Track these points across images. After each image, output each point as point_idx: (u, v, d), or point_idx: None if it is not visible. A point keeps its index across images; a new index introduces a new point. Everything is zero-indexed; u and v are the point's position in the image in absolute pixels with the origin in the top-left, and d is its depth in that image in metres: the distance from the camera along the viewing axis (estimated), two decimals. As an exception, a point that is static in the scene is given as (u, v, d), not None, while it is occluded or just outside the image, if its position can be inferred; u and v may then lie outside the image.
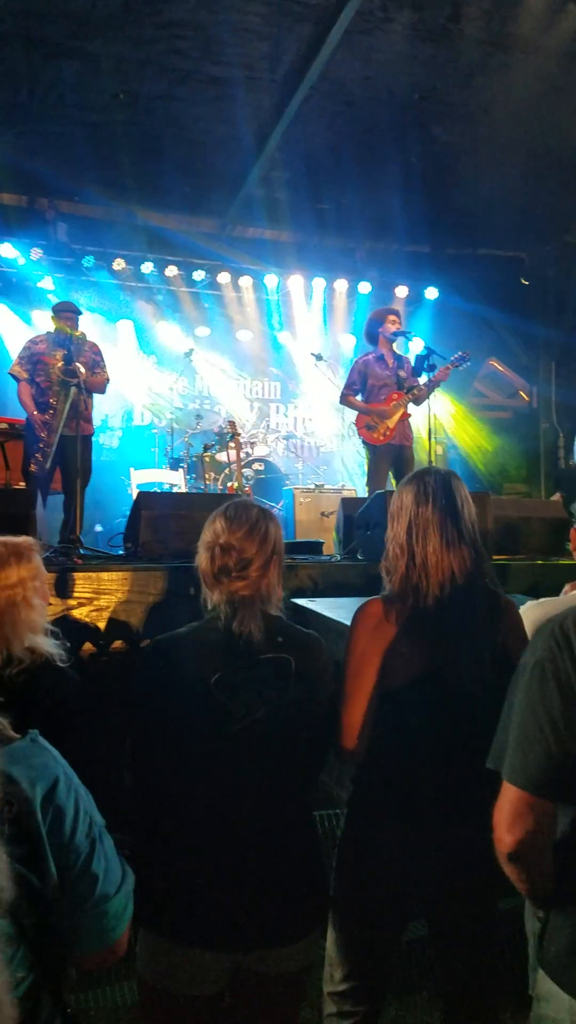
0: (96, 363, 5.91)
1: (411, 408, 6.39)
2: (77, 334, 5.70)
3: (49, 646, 2.07)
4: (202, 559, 1.99)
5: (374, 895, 2.03)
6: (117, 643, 3.82)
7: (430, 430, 6.05)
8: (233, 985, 1.84)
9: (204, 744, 1.84)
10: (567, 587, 2.58)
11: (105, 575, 3.76)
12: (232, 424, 7.43)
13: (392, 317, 6.38)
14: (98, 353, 5.98)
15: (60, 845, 1.29)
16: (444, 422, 10.88)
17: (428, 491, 2.07)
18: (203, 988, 1.79)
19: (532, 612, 2.35)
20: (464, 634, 1.98)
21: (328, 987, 2.14)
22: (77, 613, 3.68)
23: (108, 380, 6.09)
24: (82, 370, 5.49)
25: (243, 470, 7.91)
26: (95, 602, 3.79)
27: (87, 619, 3.75)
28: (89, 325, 8.64)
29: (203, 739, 1.84)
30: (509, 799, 1.43)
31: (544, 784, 1.40)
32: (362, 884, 2.05)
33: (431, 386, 6.15)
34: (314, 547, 5.37)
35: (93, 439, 6.19)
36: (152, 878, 1.77)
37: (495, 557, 4.79)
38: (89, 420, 5.86)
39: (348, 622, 2.19)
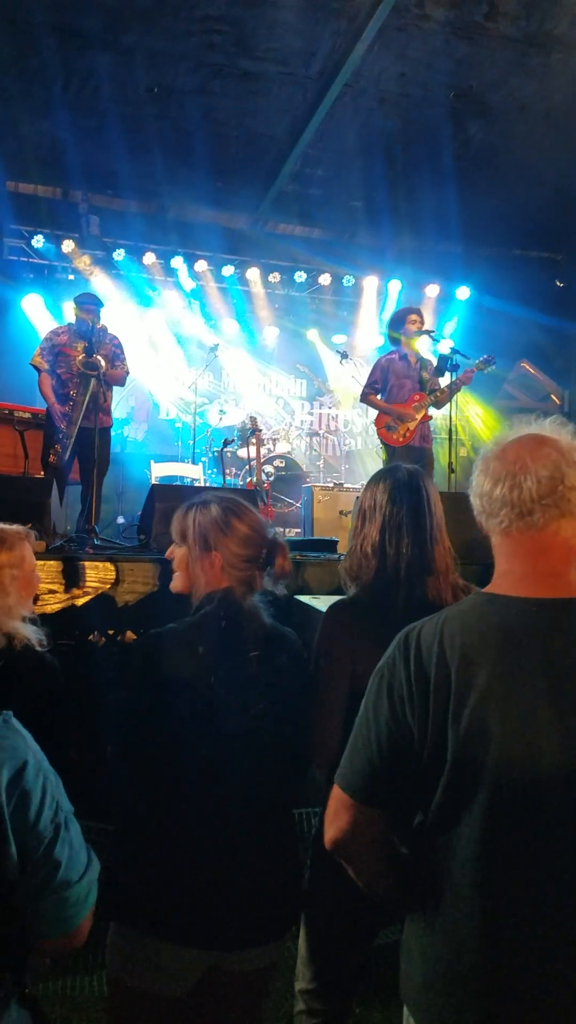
0: (116, 356, 5.94)
1: (433, 410, 6.33)
2: (99, 326, 5.73)
3: (27, 632, 2.08)
4: (238, 548, 1.94)
5: (348, 893, 2.00)
6: (128, 634, 3.84)
7: (450, 431, 5.98)
8: (201, 983, 1.82)
9: (201, 740, 1.83)
10: None
11: (112, 565, 3.79)
12: (254, 420, 7.42)
13: (413, 317, 6.32)
14: (119, 346, 6.01)
15: (24, 829, 1.29)
16: (472, 424, 10.78)
17: (402, 490, 2.03)
18: (175, 987, 1.77)
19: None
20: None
21: (299, 984, 2.12)
22: (82, 602, 3.71)
23: (128, 373, 6.12)
24: (102, 363, 5.52)
25: (264, 467, 7.91)
26: (102, 591, 3.81)
27: (93, 607, 3.77)
28: (115, 318, 8.71)
29: (200, 735, 1.83)
30: (333, 796, 1.45)
31: (361, 791, 1.40)
32: (336, 882, 2.02)
33: (453, 389, 6.09)
34: (328, 545, 5.34)
35: (116, 431, 6.24)
36: (133, 871, 1.76)
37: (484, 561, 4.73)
38: (108, 412, 5.89)
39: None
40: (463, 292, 10.63)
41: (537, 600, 1.34)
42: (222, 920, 1.78)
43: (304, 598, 3.36)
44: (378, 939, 2.18)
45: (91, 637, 3.77)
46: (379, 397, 6.34)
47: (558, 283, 10.97)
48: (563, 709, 1.27)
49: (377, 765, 1.39)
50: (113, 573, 3.84)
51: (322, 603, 3.27)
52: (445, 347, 6.34)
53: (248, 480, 7.84)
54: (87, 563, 3.87)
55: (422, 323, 6.32)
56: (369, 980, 2.61)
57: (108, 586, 3.83)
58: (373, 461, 9.70)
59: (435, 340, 6.47)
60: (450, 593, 2.01)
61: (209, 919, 1.77)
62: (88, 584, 3.81)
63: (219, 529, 1.96)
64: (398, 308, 6.92)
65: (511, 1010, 1.27)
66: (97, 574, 3.82)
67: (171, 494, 4.90)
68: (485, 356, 6.19)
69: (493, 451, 1.41)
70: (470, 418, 10.78)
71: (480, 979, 1.29)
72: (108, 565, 3.86)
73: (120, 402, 9.42)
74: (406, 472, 2.09)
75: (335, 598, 3.50)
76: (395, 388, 6.25)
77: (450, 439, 6.01)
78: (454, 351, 6.01)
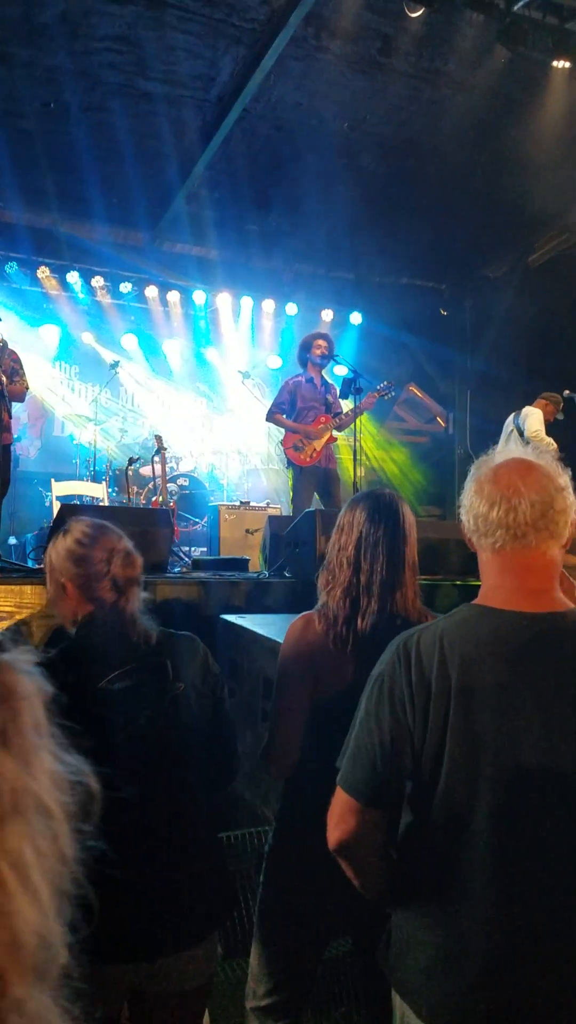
0: (15, 371, 5.78)
1: (336, 432, 6.49)
2: (-1, 342, 5.57)
3: None
4: (69, 568, 1.94)
5: (299, 910, 2.03)
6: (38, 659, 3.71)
7: (355, 452, 6.15)
8: (132, 1009, 1.80)
9: (93, 756, 1.81)
10: None
11: (28, 588, 3.67)
12: (158, 439, 7.37)
13: (319, 342, 6.50)
14: (17, 361, 5.85)
15: None
16: (365, 443, 11.07)
17: (381, 511, 2.11)
18: (98, 1010, 1.73)
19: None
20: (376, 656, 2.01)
21: (250, 1003, 2.12)
22: (-2, 627, 3.58)
23: (28, 388, 5.97)
24: (4, 379, 5.37)
25: (168, 485, 7.85)
26: (15, 616, 3.69)
27: (8, 633, 3.64)
28: (9, 333, 8.45)
29: (92, 751, 1.80)
30: (338, 800, 1.52)
31: (367, 794, 1.47)
32: (287, 899, 2.05)
33: (356, 412, 6.27)
34: (240, 564, 5.36)
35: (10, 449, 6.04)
36: None
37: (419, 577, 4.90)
38: (8, 429, 5.72)
39: (277, 638, 2.21)
40: (356, 318, 10.95)
41: (528, 614, 1.44)
42: (133, 931, 1.75)
43: (231, 617, 3.36)
44: (328, 951, 2.21)
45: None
46: (285, 417, 6.44)
47: (442, 311, 11.48)
48: (550, 714, 1.38)
49: (380, 768, 1.45)
50: (28, 597, 3.72)
51: (249, 622, 3.30)
52: (344, 371, 6.52)
53: (154, 499, 7.75)
54: (-1, 587, 3.73)
55: (327, 348, 6.48)
56: (320, 992, 2.63)
57: (22, 610, 3.71)
58: (276, 480, 9.80)
59: (337, 364, 6.64)
60: (415, 612, 2.09)
61: (121, 932, 1.74)
62: (1, 609, 3.68)
63: (61, 557, 1.97)
64: (304, 330, 7.07)
65: (517, 987, 1.36)
66: (11, 598, 3.69)
67: (80, 514, 4.79)
68: (386, 383, 6.42)
69: (485, 474, 1.50)
70: (366, 439, 11.07)
71: (487, 962, 1.37)
72: (22, 588, 3.74)
73: (13, 418, 9.13)
74: (386, 496, 2.18)
75: (261, 616, 3.53)
76: (302, 410, 6.38)
77: (354, 459, 6.17)
78: (357, 374, 6.19)
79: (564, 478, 1.49)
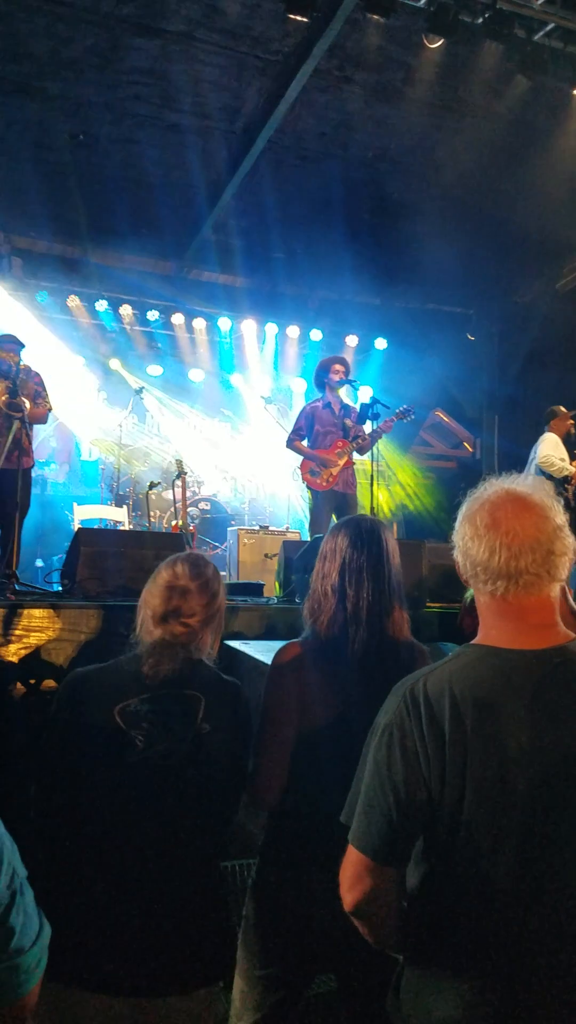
0: (39, 393, 5.86)
1: (356, 456, 6.48)
2: (22, 366, 5.65)
3: None
4: (154, 597, 2.00)
5: (282, 945, 1.98)
6: (47, 682, 3.73)
7: (372, 476, 6.12)
8: None
9: (103, 775, 1.82)
10: None
11: (37, 612, 3.69)
12: (179, 463, 7.42)
13: (337, 366, 6.50)
14: (40, 383, 5.94)
15: None
16: (389, 469, 11.04)
17: (364, 537, 2.08)
18: None
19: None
20: (381, 680, 1.97)
21: None
22: (6, 651, 3.59)
23: (51, 410, 6.05)
24: (27, 404, 5.44)
25: (189, 509, 7.89)
26: (25, 640, 3.71)
27: (16, 657, 3.66)
28: (38, 360, 8.60)
29: (103, 769, 1.82)
30: (351, 860, 1.44)
31: (384, 850, 1.41)
32: (270, 934, 2.00)
33: (375, 436, 6.26)
34: (254, 589, 5.35)
35: (37, 472, 6.13)
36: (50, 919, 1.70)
37: (429, 604, 4.83)
38: (29, 453, 5.79)
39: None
40: (381, 343, 10.97)
41: (534, 651, 1.41)
42: (139, 967, 1.74)
43: (233, 643, 3.34)
44: (313, 988, 2.15)
45: (16, 687, 3.65)
46: (304, 443, 6.45)
47: (469, 336, 11.45)
48: (571, 749, 1.34)
49: (396, 823, 1.39)
50: (36, 621, 3.74)
51: (252, 648, 3.27)
52: (365, 395, 6.51)
53: (173, 523, 7.80)
54: (8, 610, 3.76)
55: (346, 372, 6.49)
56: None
57: (31, 634, 3.73)
58: (297, 505, 9.80)
59: (355, 388, 6.65)
60: (404, 639, 2.06)
61: (126, 966, 1.73)
62: (11, 632, 3.70)
63: (154, 583, 2.03)
64: (324, 357, 7.09)
65: None
66: (20, 621, 3.71)
67: (96, 538, 4.83)
68: (404, 407, 6.40)
69: (481, 516, 1.45)
70: (390, 463, 11.05)
71: (515, 1012, 1.32)
72: (31, 612, 3.76)
73: (41, 443, 9.27)
74: (368, 521, 2.16)
75: (264, 643, 3.50)
76: (320, 435, 6.38)
77: (371, 484, 6.14)
78: (375, 400, 6.18)
79: (560, 515, 1.45)
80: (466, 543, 1.45)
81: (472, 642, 1.49)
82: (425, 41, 5.91)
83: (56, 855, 1.81)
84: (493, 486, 1.50)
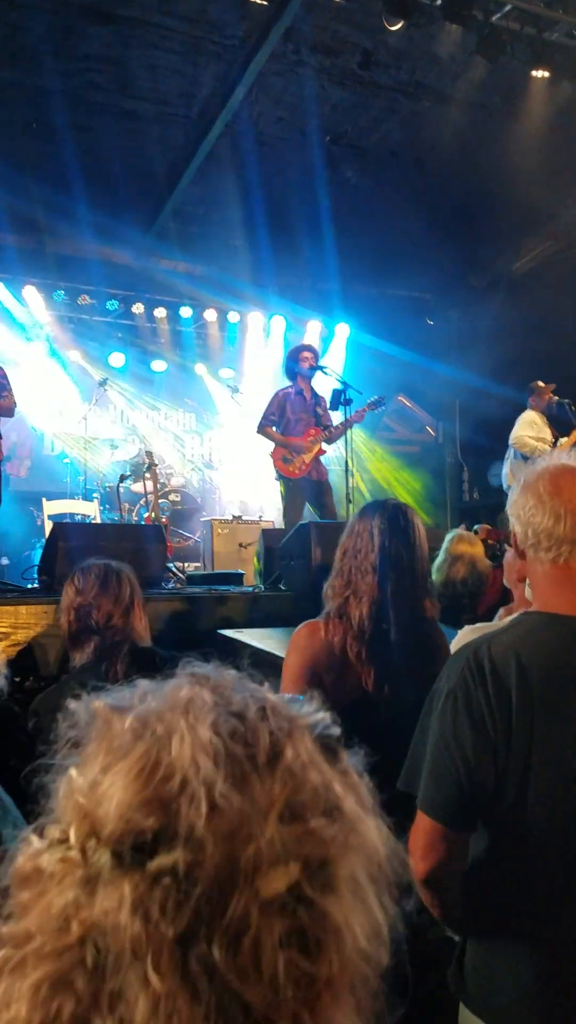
0: (3, 387, 5.77)
1: (325, 445, 6.49)
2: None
3: None
4: (63, 623, 2.14)
5: None
6: (32, 679, 3.68)
7: (347, 462, 6.14)
8: None
9: None
10: (501, 611, 2.65)
11: (24, 609, 3.64)
12: (149, 455, 7.35)
13: (305, 354, 6.50)
14: (4, 377, 5.84)
15: None
16: (356, 454, 11.08)
17: (400, 521, 2.10)
18: None
19: (468, 638, 2.40)
20: (416, 660, 1.99)
21: None
22: (-7, 648, 3.54)
23: (15, 404, 5.95)
24: (-8, 397, 5.35)
25: (160, 501, 7.83)
26: (12, 637, 3.65)
27: (4, 654, 3.60)
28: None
29: None
30: (423, 828, 1.44)
31: (457, 816, 1.42)
32: None
33: (346, 426, 6.27)
34: (235, 578, 5.34)
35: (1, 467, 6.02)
36: None
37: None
38: (-1, 446, 5.70)
39: (277, 652, 2.18)
40: (342, 329, 10.98)
41: None
42: None
43: (229, 632, 3.34)
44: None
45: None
46: (275, 430, 6.44)
47: (428, 321, 11.52)
48: None
49: (467, 789, 1.39)
50: (23, 617, 3.69)
51: (246, 636, 3.28)
52: (335, 383, 6.52)
53: (146, 515, 7.73)
54: (-8, 608, 3.70)
55: (314, 359, 6.49)
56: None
57: (19, 631, 3.68)
58: (267, 493, 9.78)
59: (325, 375, 6.66)
60: (434, 623, 2.09)
61: None
62: (-4, 629, 3.65)
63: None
64: (293, 343, 7.08)
65: None
66: (7, 619, 3.66)
67: (74, 533, 4.76)
68: (376, 397, 6.42)
69: (544, 485, 1.49)
70: (361, 450, 11.10)
71: None
72: (17, 609, 3.71)
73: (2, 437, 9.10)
74: (402, 505, 2.18)
75: (257, 631, 3.51)
76: (291, 422, 6.38)
77: (346, 470, 6.16)
78: (346, 385, 6.19)
79: None
80: (529, 512, 1.49)
81: (531, 609, 1.53)
82: (385, 24, 5.89)
83: None
84: (548, 459, 1.56)
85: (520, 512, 1.51)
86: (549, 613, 1.48)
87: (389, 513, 2.12)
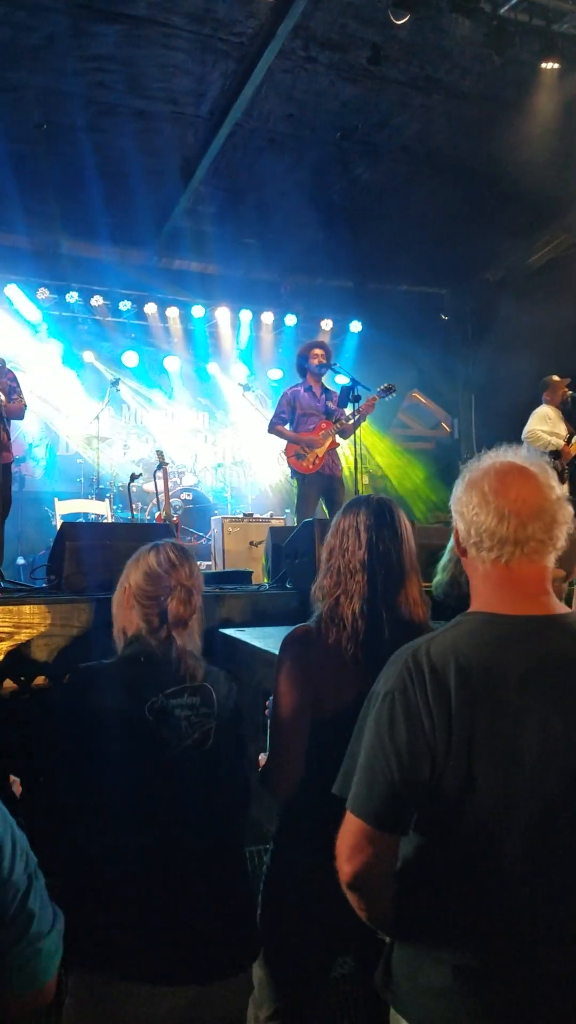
0: (13, 389, 5.80)
1: (339, 438, 6.47)
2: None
3: None
4: (141, 582, 2.00)
5: (301, 930, 1.98)
6: (39, 679, 3.70)
7: (356, 459, 6.12)
8: None
9: (136, 772, 1.82)
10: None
11: (27, 608, 3.65)
12: (160, 454, 7.36)
13: (316, 351, 6.49)
14: (14, 380, 5.88)
15: None
16: (370, 452, 11.05)
17: (384, 516, 2.06)
18: None
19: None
20: None
21: None
22: (-3, 648, 3.55)
23: (26, 406, 5.99)
24: (2, 396, 5.37)
25: (171, 500, 7.84)
26: (15, 636, 3.67)
27: (7, 654, 3.62)
28: (10, 354, 8.49)
29: (135, 767, 1.82)
30: (350, 830, 1.43)
31: (386, 818, 1.40)
32: (288, 919, 1.99)
33: (358, 418, 6.25)
34: (243, 577, 5.33)
35: (16, 469, 6.07)
36: (86, 916, 1.69)
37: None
38: (8, 448, 5.73)
39: (275, 651, 2.15)
40: (355, 326, 10.95)
41: (536, 617, 1.43)
42: (180, 954, 1.74)
43: (229, 631, 3.33)
44: (332, 971, 2.16)
45: (5, 685, 3.61)
46: (286, 427, 6.43)
47: (443, 317, 11.45)
48: (568, 713, 1.35)
49: (399, 790, 1.38)
50: (26, 617, 3.70)
51: (247, 635, 3.26)
52: (344, 379, 6.50)
53: (157, 514, 7.75)
54: (-2, 607, 3.71)
55: (324, 357, 6.47)
56: (324, 1013, 2.58)
57: (22, 631, 3.69)
58: (279, 491, 9.77)
59: (335, 372, 6.63)
60: (422, 621, 2.04)
61: (167, 954, 1.73)
62: (1, 630, 3.66)
63: (139, 569, 2.03)
64: (304, 340, 7.07)
65: (545, 1007, 1.33)
66: (10, 618, 3.67)
67: (81, 532, 4.78)
68: (385, 385, 6.38)
69: (489, 483, 1.46)
70: (365, 445, 11.05)
71: (517, 981, 1.34)
72: (20, 608, 3.72)
73: (16, 439, 9.16)
74: (385, 500, 2.14)
75: (259, 630, 3.49)
76: (302, 418, 6.37)
77: (356, 467, 6.14)
78: (355, 382, 6.16)
79: (559, 485, 1.48)
80: (472, 510, 1.46)
81: (470, 610, 1.49)
82: (392, 18, 5.84)
83: (86, 857, 1.80)
84: (493, 456, 1.52)
85: (464, 510, 1.49)
86: (490, 613, 1.45)
87: (374, 508, 2.08)
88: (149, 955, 1.72)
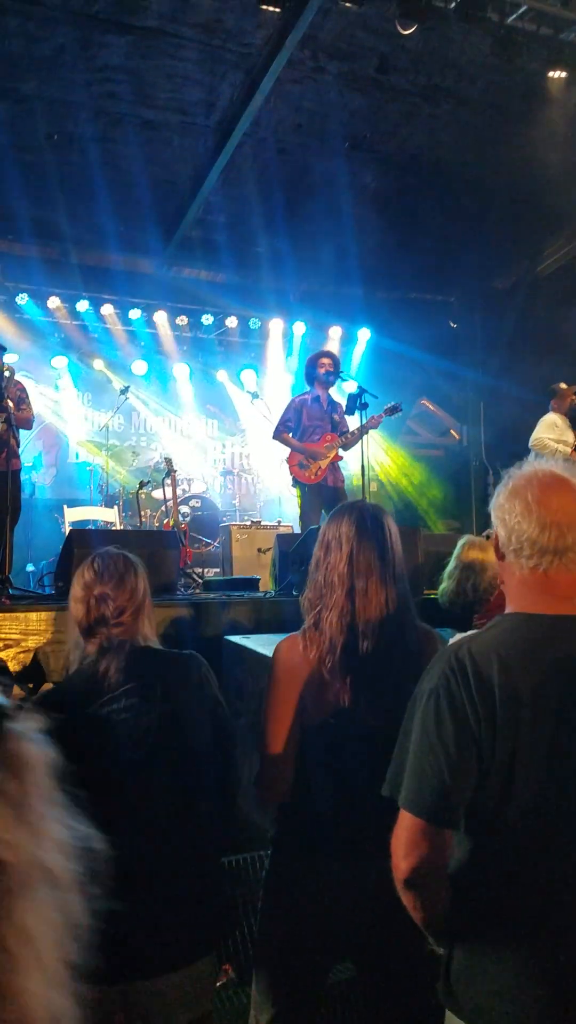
0: (22, 399, 5.85)
1: (342, 451, 6.46)
2: (4, 370, 5.62)
3: None
4: (77, 611, 2.03)
5: (299, 935, 1.97)
6: (46, 685, 3.71)
7: (363, 467, 6.11)
8: None
9: (95, 769, 1.83)
10: (475, 619, 2.65)
11: (34, 615, 3.67)
12: (168, 461, 7.39)
13: (324, 360, 6.49)
14: (23, 390, 5.95)
15: None
16: (378, 459, 11.04)
17: (368, 524, 2.03)
18: None
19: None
20: (391, 670, 1.95)
21: None
22: (5, 655, 3.57)
23: (34, 416, 6.05)
24: (11, 404, 5.41)
25: (180, 507, 7.86)
26: (23, 643, 3.68)
27: (15, 661, 3.64)
28: (22, 362, 8.55)
29: (88, 776, 1.82)
30: (405, 826, 1.44)
31: (439, 812, 1.42)
32: (287, 924, 1.99)
33: (362, 431, 6.24)
34: (250, 583, 5.34)
35: (26, 477, 6.11)
36: None
37: (426, 592, 4.84)
38: (18, 455, 5.77)
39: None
40: (364, 333, 10.96)
41: (569, 616, 1.47)
42: (123, 951, 1.71)
43: (235, 638, 3.34)
44: (331, 975, 2.15)
45: (14, 691, 3.63)
46: (291, 436, 6.43)
47: (452, 324, 11.45)
48: None
49: (450, 785, 1.40)
50: (33, 624, 3.72)
51: (252, 642, 3.27)
52: (352, 387, 6.50)
53: (165, 521, 7.77)
54: (5, 615, 3.74)
55: (332, 366, 6.48)
56: (324, 1018, 2.57)
57: (29, 638, 3.71)
58: (287, 499, 9.76)
59: (343, 380, 6.64)
60: (408, 626, 2.02)
61: (112, 951, 1.72)
62: (8, 636, 3.68)
63: (73, 597, 2.10)
64: (312, 352, 7.08)
65: None
66: (17, 625, 3.69)
67: (89, 539, 4.79)
68: (392, 404, 6.37)
69: (532, 493, 1.50)
70: (371, 454, 11.03)
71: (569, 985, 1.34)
72: (28, 615, 3.74)
73: (27, 446, 9.21)
74: (370, 507, 2.11)
75: (266, 636, 3.50)
76: (308, 428, 6.37)
77: (363, 477, 6.14)
78: (362, 389, 6.16)
79: None
80: (515, 518, 1.50)
81: (507, 612, 1.53)
82: (399, 28, 5.88)
83: None
84: (535, 465, 1.57)
85: (506, 517, 1.52)
86: (526, 613, 1.49)
87: (357, 518, 2.04)
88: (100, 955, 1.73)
